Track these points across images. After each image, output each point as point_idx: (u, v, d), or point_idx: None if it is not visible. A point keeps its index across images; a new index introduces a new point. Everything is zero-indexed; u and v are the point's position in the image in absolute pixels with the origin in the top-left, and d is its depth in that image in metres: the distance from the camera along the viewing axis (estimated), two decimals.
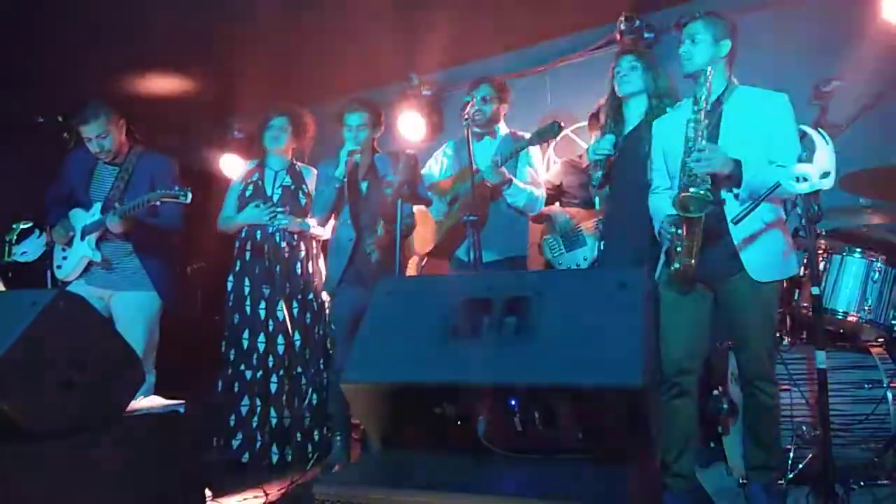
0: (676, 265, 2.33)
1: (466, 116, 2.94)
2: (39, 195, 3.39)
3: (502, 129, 3.34)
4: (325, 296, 3.54)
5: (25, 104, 3.66)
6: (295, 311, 3.40)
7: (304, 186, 3.54)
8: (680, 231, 2.30)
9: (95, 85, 3.56)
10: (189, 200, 3.00)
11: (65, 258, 3.26)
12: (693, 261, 2.30)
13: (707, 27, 2.40)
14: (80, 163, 3.32)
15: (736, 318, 2.42)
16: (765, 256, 2.35)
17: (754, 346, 2.38)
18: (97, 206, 3.19)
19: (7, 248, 4.02)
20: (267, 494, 2.93)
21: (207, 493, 2.65)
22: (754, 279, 2.33)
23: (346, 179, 3.13)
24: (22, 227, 4.45)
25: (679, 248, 2.31)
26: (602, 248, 3.06)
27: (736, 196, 2.32)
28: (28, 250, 3.56)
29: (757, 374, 2.40)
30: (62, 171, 3.37)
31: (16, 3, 3.58)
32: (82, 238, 3.19)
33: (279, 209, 3.37)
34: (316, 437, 3.41)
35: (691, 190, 2.22)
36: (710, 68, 2.33)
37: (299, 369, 3.40)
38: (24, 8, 3.63)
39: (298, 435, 3.35)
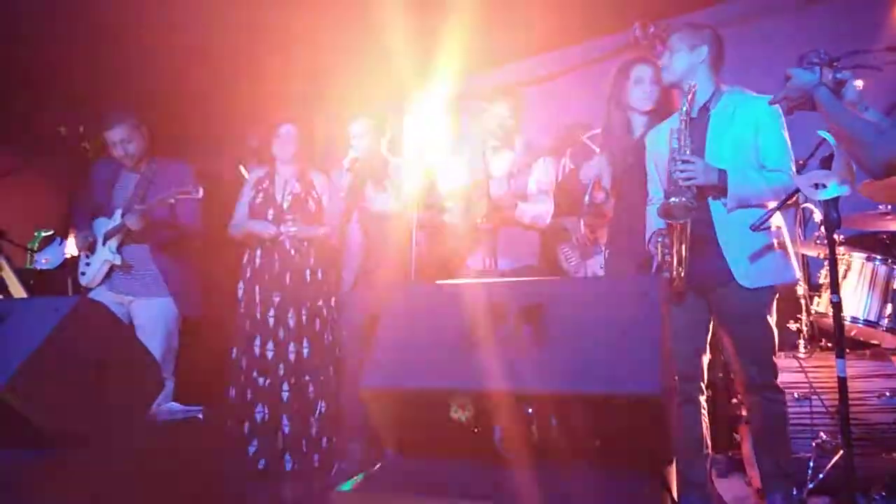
0: (666, 274, 2.33)
1: (484, 126, 2.95)
2: (61, 204, 3.45)
3: (519, 138, 3.30)
4: (334, 301, 3.55)
5: (48, 115, 3.73)
6: (304, 318, 3.42)
7: (313, 193, 3.54)
8: (667, 240, 2.32)
9: (115, 92, 3.61)
10: (201, 195, 3.08)
11: (87, 264, 3.31)
12: (682, 269, 2.30)
13: (682, 38, 2.44)
14: (104, 173, 3.40)
15: (730, 327, 2.39)
16: (754, 262, 2.32)
17: (752, 355, 2.35)
18: (119, 213, 3.25)
19: (29, 256, 4.09)
20: (283, 501, 2.94)
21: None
22: (744, 286, 2.30)
23: (350, 187, 3.17)
24: (44, 234, 4.53)
25: (668, 257, 2.32)
26: (606, 256, 3.06)
27: (723, 205, 2.31)
28: (50, 258, 3.62)
29: (759, 382, 2.36)
30: (87, 182, 3.44)
31: (45, 20, 3.65)
32: (104, 243, 3.24)
33: (288, 227, 3.39)
34: (324, 446, 3.41)
35: (672, 199, 2.23)
36: (693, 82, 2.36)
37: (308, 377, 3.41)
38: (50, 24, 3.70)
39: (304, 444, 3.36)
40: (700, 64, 2.42)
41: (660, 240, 2.36)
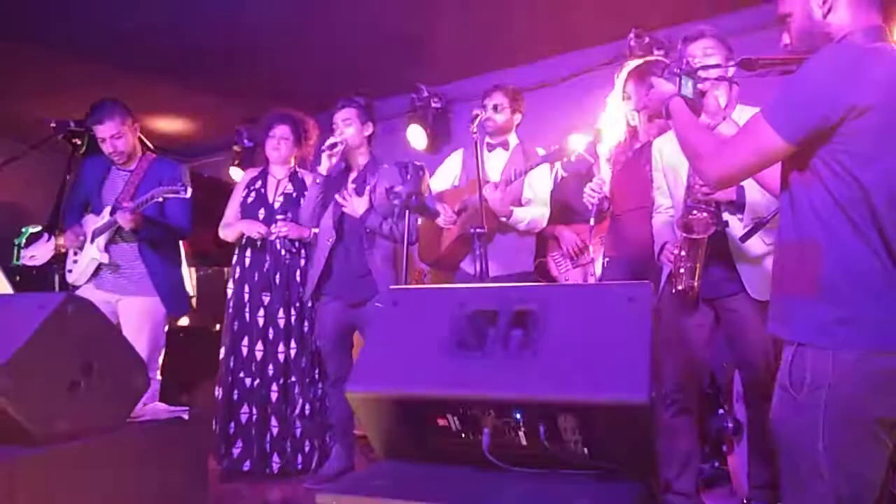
0: (680, 287, 2.33)
1: (475, 129, 2.92)
2: (50, 201, 3.42)
3: (514, 140, 3.31)
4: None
5: (38, 110, 3.70)
6: (293, 318, 3.40)
7: (305, 193, 3.53)
8: (683, 253, 2.31)
9: (108, 91, 3.59)
10: (188, 195, 3.04)
11: (75, 262, 3.28)
12: (697, 282, 2.30)
13: (719, 44, 2.42)
14: (94, 170, 3.36)
15: (737, 337, 2.42)
16: (765, 276, 2.33)
17: (758, 364, 2.38)
18: (107, 211, 3.22)
19: (16, 252, 4.05)
20: (266, 503, 2.92)
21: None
22: (754, 298, 2.32)
23: (329, 176, 3.08)
24: (31, 231, 4.48)
25: (682, 270, 2.32)
26: (604, 264, 3.06)
27: (740, 219, 2.32)
28: (36, 254, 3.58)
29: (763, 391, 2.38)
30: (77, 178, 3.41)
31: (38, 15, 3.62)
32: (92, 241, 3.21)
33: (280, 228, 3.37)
34: (307, 448, 3.40)
35: (694, 213, 2.23)
36: (716, 93, 2.33)
37: (293, 378, 3.40)
38: (44, 20, 3.67)
39: (289, 445, 3.35)
40: (726, 79, 2.40)
41: (675, 252, 2.35)
